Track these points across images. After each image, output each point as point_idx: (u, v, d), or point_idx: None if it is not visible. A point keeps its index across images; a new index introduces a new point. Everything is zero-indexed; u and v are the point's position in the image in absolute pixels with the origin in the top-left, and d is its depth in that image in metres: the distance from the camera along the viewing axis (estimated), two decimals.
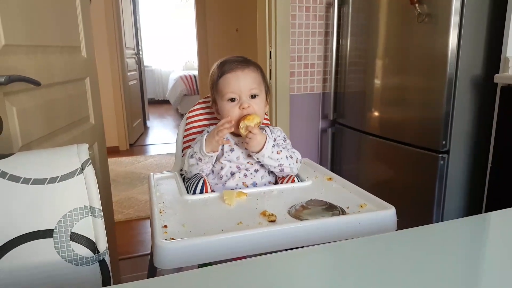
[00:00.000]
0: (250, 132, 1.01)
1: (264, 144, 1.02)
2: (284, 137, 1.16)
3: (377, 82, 1.90)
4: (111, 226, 1.66)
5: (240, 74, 1.05)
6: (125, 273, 1.91)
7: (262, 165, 1.10)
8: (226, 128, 1.00)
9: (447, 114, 1.57)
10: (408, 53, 1.72)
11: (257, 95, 1.07)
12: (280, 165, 1.05)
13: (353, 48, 2.06)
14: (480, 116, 1.62)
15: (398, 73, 1.80)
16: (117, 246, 1.77)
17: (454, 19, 1.49)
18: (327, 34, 2.20)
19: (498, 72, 1.51)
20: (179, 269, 0.76)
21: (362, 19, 1.98)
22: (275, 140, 1.13)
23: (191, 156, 1.04)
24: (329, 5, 2.16)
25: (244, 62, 1.08)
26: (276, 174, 1.10)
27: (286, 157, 1.06)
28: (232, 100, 1.06)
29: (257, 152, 1.03)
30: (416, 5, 1.58)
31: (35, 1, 1.07)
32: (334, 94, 2.20)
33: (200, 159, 1.03)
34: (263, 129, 1.16)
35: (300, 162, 1.11)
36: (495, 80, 1.47)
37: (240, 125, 1.02)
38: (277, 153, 1.05)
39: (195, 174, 1.05)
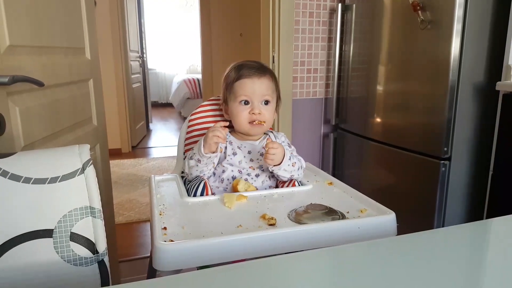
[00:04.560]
0: (271, 148, 1.00)
1: (283, 158, 1.03)
2: (288, 143, 1.17)
3: (379, 88, 1.90)
4: (112, 228, 1.66)
5: (256, 81, 1.08)
6: (125, 276, 1.90)
7: (263, 170, 1.10)
8: (221, 130, 1.00)
9: (449, 121, 1.57)
10: (411, 59, 1.72)
11: (269, 102, 1.10)
12: (291, 176, 1.07)
13: (356, 54, 2.07)
14: (482, 123, 1.61)
15: (400, 80, 1.80)
16: (117, 248, 1.77)
17: (457, 27, 1.50)
18: (330, 39, 2.21)
19: (500, 80, 1.50)
20: (178, 271, 0.76)
21: (365, 25, 1.99)
22: None
23: (191, 158, 1.05)
24: (333, 11, 2.17)
25: (262, 70, 1.11)
26: (281, 180, 1.10)
27: (298, 168, 1.07)
28: (245, 102, 1.08)
29: (276, 165, 1.03)
30: (419, 12, 1.59)
31: (41, 3, 1.08)
32: (337, 99, 2.20)
33: (199, 160, 1.03)
34: (267, 133, 1.17)
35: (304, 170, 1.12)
36: (497, 88, 1.47)
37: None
38: (292, 165, 1.05)
39: (196, 177, 1.06)
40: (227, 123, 1.11)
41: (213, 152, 1.02)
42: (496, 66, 1.54)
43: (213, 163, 1.06)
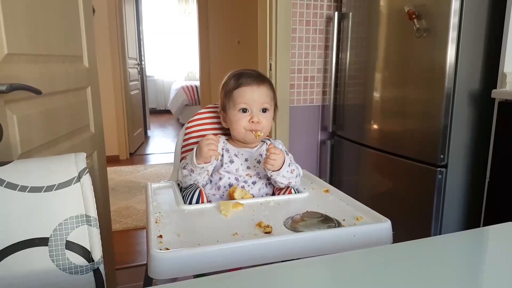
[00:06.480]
0: (272, 153, 1.01)
1: (283, 163, 1.03)
2: (285, 151, 1.17)
3: (376, 95, 1.91)
4: (109, 235, 1.65)
5: (255, 89, 1.09)
6: (122, 283, 1.89)
7: (260, 177, 1.10)
8: (215, 142, 1.00)
9: (445, 128, 1.57)
10: (407, 67, 1.73)
11: (267, 110, 1.11)
12: (289, 182, 1.07)
13: (352, 61, 2.08)
14: (478, 130, 1.62)
15: (396, 87, 1.81)
16: (114, 256, 1.77)
17: (452, 35, 1.51)
18: (327, 47, 2.23)
19: (495, 87, 1.51)
20: (174, 280, 0.76)
21: (361, 33, 2.01)
22: None
23: (184, 167, 1.05)
24: (329, 19, 2.18)
25: (260, 78, 1.12)
26: (278, 186, 1.11)
27: (296, 176, 1.08)
28: (244, 110, 1.09)
29: (275, 171, 1.04)
30: (415, 20, 1.60)
31: (39, 11, 1.09)
32: (334, 106, 2.21)
33: (192, 170, 1.03)
34: (264, 141, 1.17)
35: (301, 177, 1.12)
36: (492, 95, 1.48)
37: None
38: (291, 172, 1.06)
39: (191, 184, 1.06)
40: (217, 131, 1.11)
41: (206, 163, 1.02)
42: (491, 73, 1.55)
43: (207, 171, 1.06)
